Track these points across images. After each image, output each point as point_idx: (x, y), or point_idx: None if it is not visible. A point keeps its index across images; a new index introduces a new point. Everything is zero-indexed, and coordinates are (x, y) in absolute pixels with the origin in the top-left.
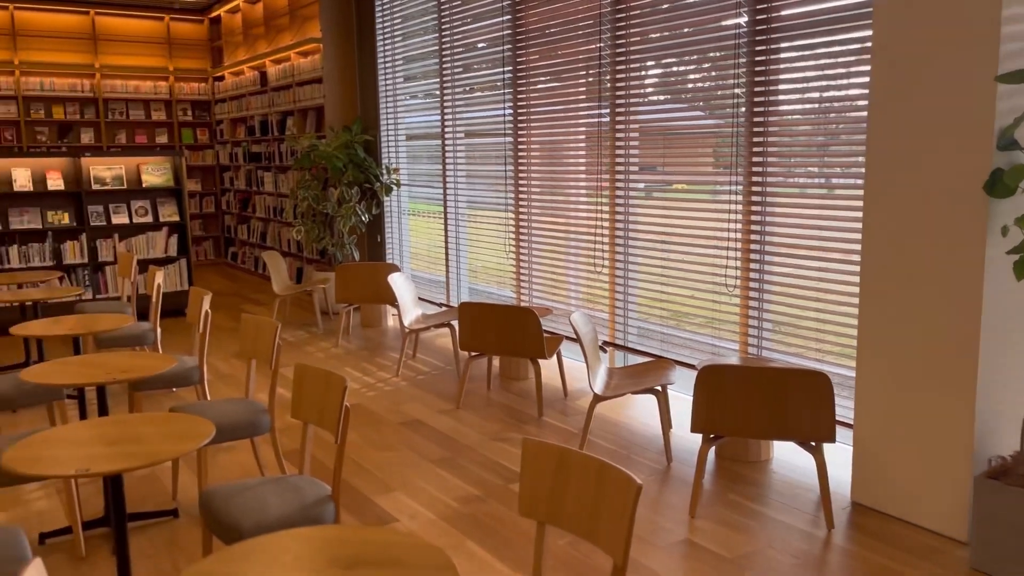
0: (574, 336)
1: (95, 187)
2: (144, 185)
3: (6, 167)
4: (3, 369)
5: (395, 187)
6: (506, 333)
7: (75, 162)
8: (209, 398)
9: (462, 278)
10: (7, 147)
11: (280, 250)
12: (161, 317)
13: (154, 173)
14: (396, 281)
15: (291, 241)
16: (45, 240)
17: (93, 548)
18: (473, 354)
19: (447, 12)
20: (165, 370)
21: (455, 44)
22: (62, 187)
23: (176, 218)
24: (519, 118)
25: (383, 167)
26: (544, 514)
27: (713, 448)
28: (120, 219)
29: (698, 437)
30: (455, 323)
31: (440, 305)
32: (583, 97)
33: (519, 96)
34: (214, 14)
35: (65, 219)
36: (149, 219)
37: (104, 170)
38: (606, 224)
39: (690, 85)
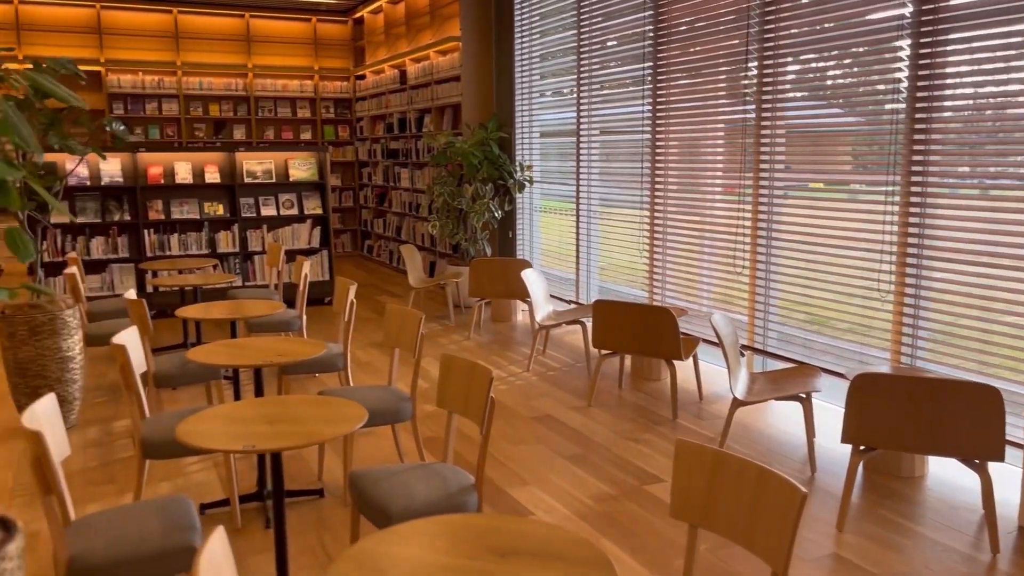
0: (710, 338)
1: (247, 180)
2: (291, 179)
3: (170, 161)
4: (164, 349)
5: (528, 184)
6: (641, 332)
7: (230, 156)
8: (351, 384)
9: (592, 276)
10: (169, 142)
11: (414, 244)
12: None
13: (300, 168)
14: (529, 277)
15: (425, 235)
16: (202, 230)
17: (247, 521)
18: (605, 352)
19: (586, 8)
20: (316, 355)
21: (593, 40)
22: (218, 180)
23: (319, 211)
24: (658, 115)
25: (517, 164)
26: (697, 517)
27: (862, 461)
28: (268, 211)
29: (845, 448)
30: (587, 321)
31: (569, 302)
32: (723, 93)
33: (659, 92)
34: (357, 15)
35: (220, 210)
36: (295, 212)
37: (255, 164)
38: (748, 224)
39: (840, 81)
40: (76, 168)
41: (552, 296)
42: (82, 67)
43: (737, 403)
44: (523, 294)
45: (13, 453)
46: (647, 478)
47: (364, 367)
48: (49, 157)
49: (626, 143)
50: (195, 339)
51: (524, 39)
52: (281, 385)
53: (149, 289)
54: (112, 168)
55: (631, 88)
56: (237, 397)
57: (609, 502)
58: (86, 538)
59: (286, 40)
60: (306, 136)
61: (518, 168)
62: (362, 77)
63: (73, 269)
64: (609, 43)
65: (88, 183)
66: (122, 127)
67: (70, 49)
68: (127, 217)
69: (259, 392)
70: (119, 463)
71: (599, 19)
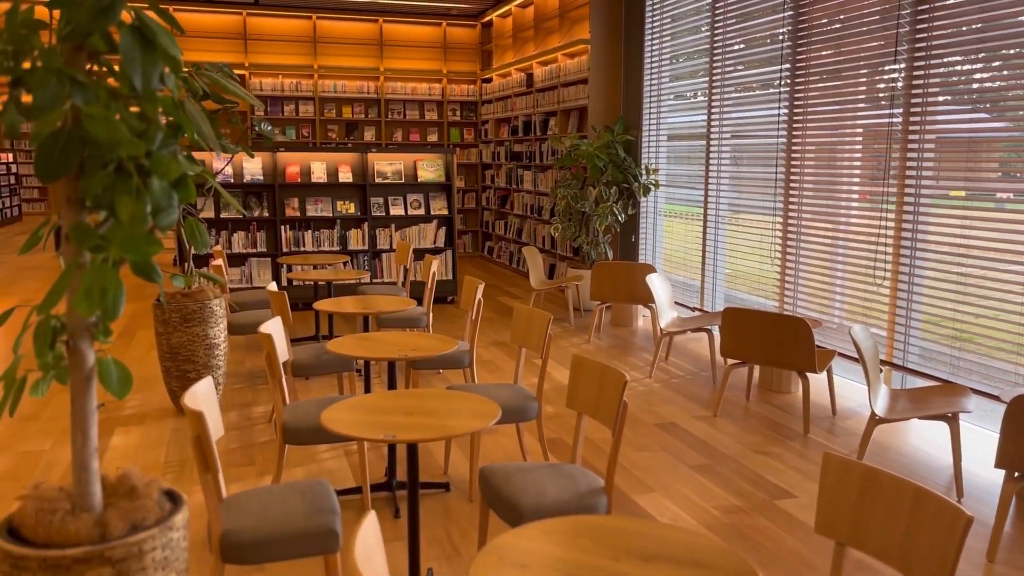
0: (846, 350)
1: (377, 180)
2: (419, 180)
3: (307, 160)
4: (298, 340)
5: (653, 188)
6: (774, 343)
7: (362, 157)
8: (476, 381)
9: (718, 283)
10: (305, 143)
11: (535, 246)
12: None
13: (428, 169)
14: (654, 282)
15: (545, 238)
16: (334, 227)
17: (377, 509)
18: (734, 362)
19: (721, 9)
20: (447, 352)
21: (727, 41)
22: (351, 180)
23: (445, 212)
24: (794, 118)
25: (642, 167)
26: (844, 534)
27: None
28: (397, 210)
29: (994, 474)
30: (713, 328)
31: (693, 309)
32: (864, 97)
33: (796, 95)
34: (486, 19)
35: (351, 208)
36: (421, 212)
37: (386, 165)
38: (890, 233)
39: (989, 85)
40: (224, 167)
41: (676, 303)
42: None
43: (876, 420)
44: (646, 299)
45: (165, 432)
46: (777, 492)
47: (486, 365)
48: (197, 155)
49: (758, 147)
50: (327, 331)
51: (654, 41)
52: (409, 379)
53: (284, 283)
54: (254, 167)
55: (766, 91)
56: (367, 388)
57: (737, 515)
58: (236, 515)
59: (416, 44)
60: (432, 138)
61: (643, 171)
62: (488, 80)
63: (219, 261)
64: (743, 45)
65: (231, 180)
66: (269, 127)
67: (219, 54)
68: (266, 214)
69: (391, 384)
70: (257, 446)
71: (733, 20)
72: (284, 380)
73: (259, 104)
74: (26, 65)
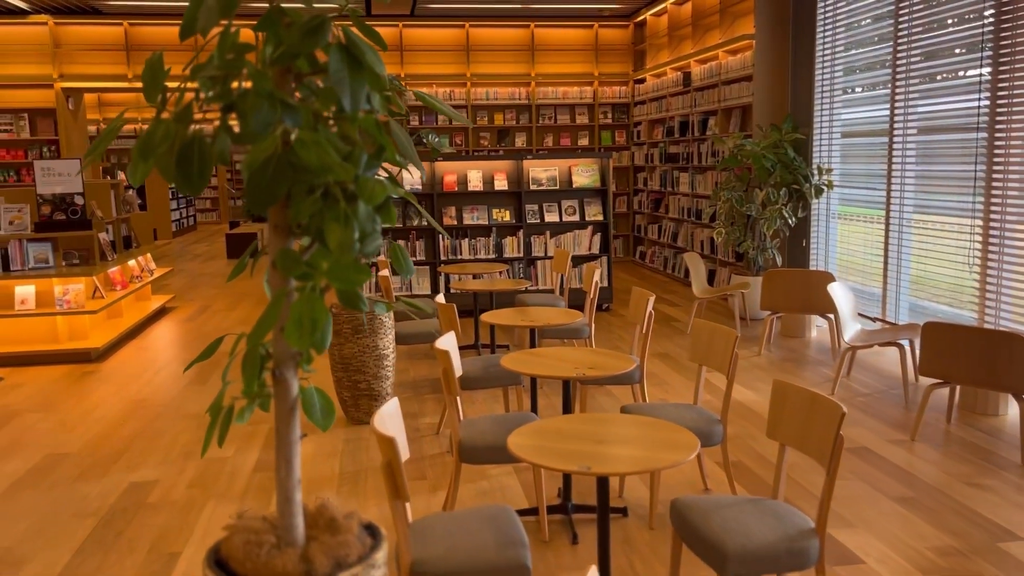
0: None
1: (532, 187)
2: (574, 185)
3: (463, 169)
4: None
5: (826, 189)
6: (983, 361)
7: (517, 164)
8: (647, 399)
9: (902, 291)
10: (458, 152)
11: (696, 252)
12: (577, 308)
13: (583, 174)
14: (836, 291)
15: (703, 242)
16: (490, 235)
17: (553, 533)
18: (934, 381)
19: None
20: (625, 371)
21: (914, 26)
22: (506, 187)
23: (600, 217)
24: (997, 109)
25: (814, 167)
26: None
27: None
28: (551, 217)
29: None
30: (903, 342)
31: (872, 319)
32: None
33: (999, 83)
34: (640, 18)
35: (507, 216)
36: (576, 218)
37: (540, 171)
38: None
39: None
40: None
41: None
42: None
43: None
44: (823, 309)
45: (337, 442)
46: (1000, 533)
47: (651, 378)
48: None
49: (952, 143)
50: (487, 340)
51: (827, 32)
52: (576, 395)
53: (441, 290)
54: (413, 176)
55: (962, 81)
56: (533, 403)
57: (956, 558)
58: (424, 543)
59: (568, 48)
60: (583, 142)
61: (815, 171)
62: (641, 81)
63: (385, 271)
64: (935, 28)
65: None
66: (437, 139)
67: None
68: (424, 223)
69: (566, 404)
70: (427, 460)
71: (920, 4)
72: (459, 398)
73: (468, 122)
74: (233, 86)
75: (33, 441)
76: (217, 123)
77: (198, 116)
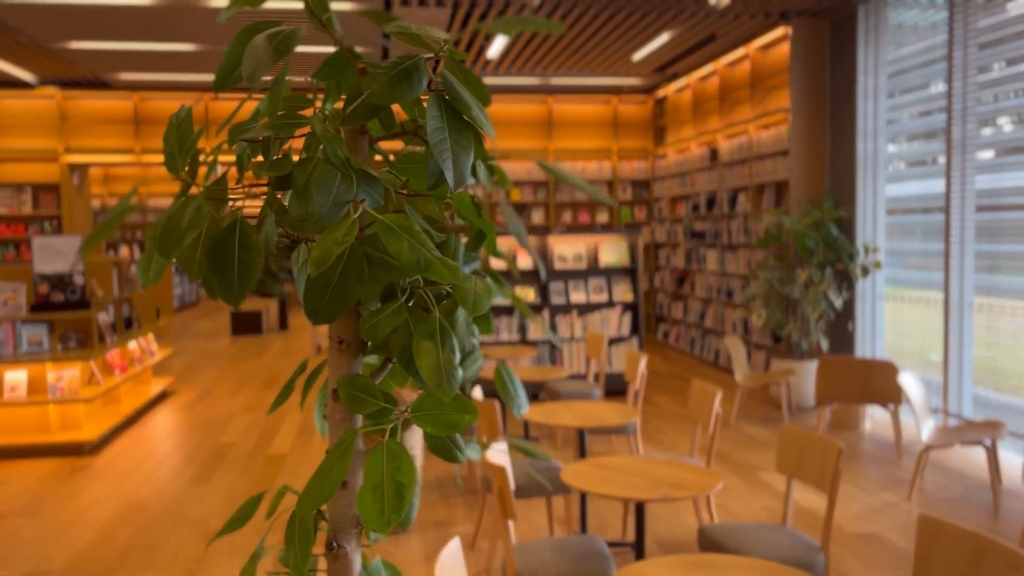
0: None
1: (557, 266)
2: (600, 264)
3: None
4: None
5: (872, 268)
6: None
7: (542, 240)
8: (715, 517)
9: (965, 381)
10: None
11: (724, 332)
12: (611, 396)
13: (610, 252)
14: (908, 382)
15: (735, 323)
16: (512, 314)
17: None
18: None
19: (958, 55)
20: (712, 489)
21: (969, 93)
22: (530, 265)
23: (629, 297)
24: None
25: (859, 245)
26: None
27: None
28: (577, 297)
29: None
30: (984, 440)
31: (933, 411)
32: None
33: None
34: (660, 94)
35: (530, 295)
36: (604, 298)
37: (567, 248)
38: None
39: None
40: None
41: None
42: None
43: None
44: (884, 399)
45: None
46: None
47: None
48: None
49: (1022, 219)
50: (523, 432)
51: (868, 104)
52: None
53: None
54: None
55: None
56: (583, 522)
57: None
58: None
59: (585, 123)
60: (602, 219)
61: (861, 250)
62: (662, 156)
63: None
64: (1000, 94)
65: None
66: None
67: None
68: None
69: (639, 535)
70: None
71: (976, 71)
72: (512, 521)
73: (612, 201)
74: (286, 151)
75: (15, 552)
76: (261, 205)
77: (238, 194)
